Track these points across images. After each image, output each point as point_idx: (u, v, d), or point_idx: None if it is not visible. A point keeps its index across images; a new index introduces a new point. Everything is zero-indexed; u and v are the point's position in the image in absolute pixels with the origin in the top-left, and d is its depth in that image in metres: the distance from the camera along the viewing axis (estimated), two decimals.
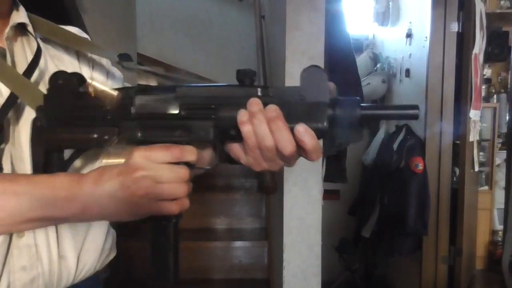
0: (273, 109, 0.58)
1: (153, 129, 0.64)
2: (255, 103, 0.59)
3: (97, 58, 0.89)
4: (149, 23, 3.96)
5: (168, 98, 0.63)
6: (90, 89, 0.68)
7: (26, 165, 0.73)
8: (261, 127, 0.58)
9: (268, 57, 2.99)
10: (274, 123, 0.58)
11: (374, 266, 3.81)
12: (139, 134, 0.64)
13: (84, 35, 0.90)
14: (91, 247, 0.83)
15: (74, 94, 0.69)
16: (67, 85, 0.69)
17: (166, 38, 3.92)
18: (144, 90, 0.65)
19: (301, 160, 2.24)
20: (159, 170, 0.60)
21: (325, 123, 0.59)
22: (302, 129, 0.58)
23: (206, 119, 0.62)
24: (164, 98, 0.64)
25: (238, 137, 0.61)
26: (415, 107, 0.60)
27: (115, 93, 0.67)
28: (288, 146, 0.59)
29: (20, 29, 0.79)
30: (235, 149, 0.65)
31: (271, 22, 3.09)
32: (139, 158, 0.61)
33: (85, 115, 0.67)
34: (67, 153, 0.72)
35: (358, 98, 0.62)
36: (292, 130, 0.59)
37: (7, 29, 0.76)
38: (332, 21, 2.21)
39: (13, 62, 0.76)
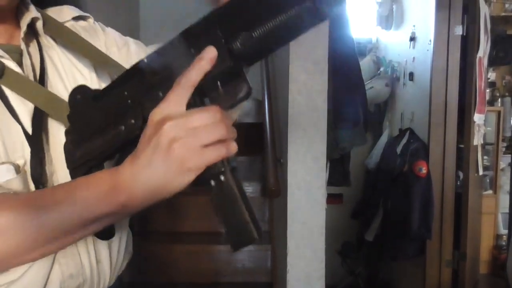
0: None
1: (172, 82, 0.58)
2: None
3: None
4: (153, 27, 3.97)
5: (175, 49, 0.59)
6: None
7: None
8: None
9: (271, 60, 2.99)
10: None
11: (378, 270, 3.79)
12: (160, 95, 0.58)
13: (83, 13, 0.88)
14: (119, 248, 0.85)
15: (93, 100, 0.66)
16: (85, 97, 0.67)
17: None
18: (152, 58, 0.61)
19: (305, 163, 2.24)
20: (186, 114, 0.55)
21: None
22: None
23: (219, 47, 0.56)
24: (172, 52, 0.60)
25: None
26: None
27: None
28: None
29: (33, 29, 0.78)
30: None
31: None
32: (159, 112, 0.55)
33: (108, 113, 0.63)
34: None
35: None
36: None
37: (24, 28, 0.75)
38: (335, 25, 2.21)
39: (32, 64, 0.75)
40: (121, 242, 0.86)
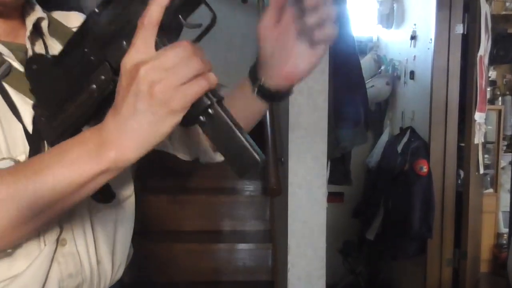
0: None
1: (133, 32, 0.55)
2: None
3: None
4: None
5: None
6: None
7: None
8: None
9: None
10: None
11: (378, 269, 3.80)
12: (124, 43, 0.56)
13: None
14: (120, 248, 0.84)
15: (52, 67, 0.63)
16: (42, 65, 0.64)
17: None
18: (103, 7, 0.57)
19: (306, 162, 2.23)
20: (158, 55, 0.53)
21: None
22: None
23: None
24: None
25: None
26: None
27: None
28: None
29: (39, 29, 0.78)
30: None
31: None
32: (129, 59, 0.54)
33: (74, 75, 0.60)
34: None
35: None
36: None
37: (30, 27, 0.75)
38: (336, 24, 2.20)
39: None
40: (123, 242, 0.85)
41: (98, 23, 0.57)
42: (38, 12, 0.78)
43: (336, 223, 3.60)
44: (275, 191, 2.17)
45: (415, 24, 3.28)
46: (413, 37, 3.28)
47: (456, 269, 3.00)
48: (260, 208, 3.02)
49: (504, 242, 3.29)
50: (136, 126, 0.54)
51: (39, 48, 0.77)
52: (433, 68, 2.92)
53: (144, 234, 2.75)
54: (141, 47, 0.54)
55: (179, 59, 0.52)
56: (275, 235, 2.81)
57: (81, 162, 0.57)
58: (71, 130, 0.63)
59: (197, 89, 0.53)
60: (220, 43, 3.99)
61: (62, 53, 0.62)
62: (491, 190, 3.35)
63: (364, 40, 4.04)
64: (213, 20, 0.60)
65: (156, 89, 0.52)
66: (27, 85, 0.70)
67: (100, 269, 0.79)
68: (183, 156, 0.95)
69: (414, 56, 3.29)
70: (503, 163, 3.41)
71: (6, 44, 0.72)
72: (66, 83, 0.61)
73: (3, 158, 0.67)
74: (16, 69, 0.71)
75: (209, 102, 0.55)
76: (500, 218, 3.41)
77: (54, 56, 0.64)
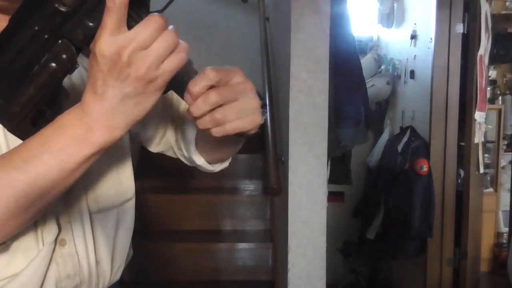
0: None
1: (97, 10, 0.53)
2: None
3: None
4: None
5: None
6: None
7: None
8: None
9: (272, 59, 2.99)
10: None
11: (379, 268, 3.80)
12: (90, 24, 0.54)
13: None
14: (120, 249, 0.84)
15: None
16: None
17: None
18: None
19: (306, 162, 2.23)
20: (135, 35, 0.52)
21: None
22: None
23: None
24: None
25: None
26: None
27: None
28: None
29: None
30: None
31: (275, 24, 3.09)
32: (105, 43, 0.52)
33: (26, 55, 0.57)
34: None
35: None
36: None
37: None
38: (336, 23, 2.20)
39: None
40: (123, 242, 0.85)
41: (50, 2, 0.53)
42: None
43: (336, 222, 3.60)
44: (275, 191, 2.17)
45: (415, 24, 3.28)
46: (413, 37, 3.28)
47: (456, 268, 3.00)
48: (261, 207, 3.03)
49: (504, 241, 3.29)
50: (123, 108, 0.55)
51: None
52: (433, 68, 2.92)
53: (144, 234, 2.75)
54: (115, 29, 0.52)
55: (155, 36, 0.52)
56: (275, 234, 2.81)
57: (70, 148, 0.56)
58: (32, 113, 0.60)
59: (177, 62, 0.54)
60: (220, 42, 3.99)
61: (6, 32, 0.57)
62: (491, 190, 3.35)
63: (365, 40, 4.04)
64: None
65: (140, 71, 0.52)
66: None
67: (98, 270, 0.79)
68: (185, 161, 0.97)
69: (415, 56, 3.29)
70: (503, 162, 3.41)
71: None
72: (17, 65, 0.58)
73: None
74: None
75: (185, 70, 0.56)
76: (500, 218, 3.41)
77: None
